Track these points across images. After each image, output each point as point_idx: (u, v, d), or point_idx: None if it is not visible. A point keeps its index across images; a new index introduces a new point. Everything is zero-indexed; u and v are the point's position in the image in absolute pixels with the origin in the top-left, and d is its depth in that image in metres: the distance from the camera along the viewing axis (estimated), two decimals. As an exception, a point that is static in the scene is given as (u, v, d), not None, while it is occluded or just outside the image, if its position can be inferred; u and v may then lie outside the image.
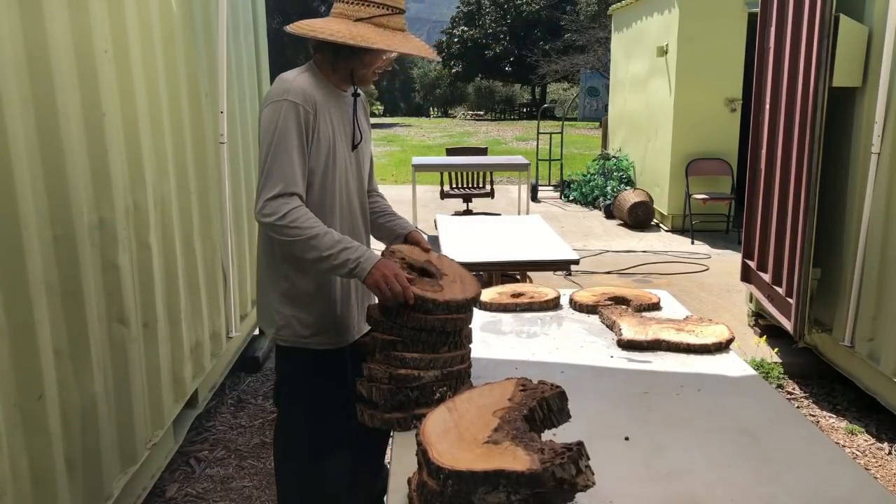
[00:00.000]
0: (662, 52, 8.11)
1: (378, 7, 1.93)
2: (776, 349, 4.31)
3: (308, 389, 2.12)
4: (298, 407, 2.14)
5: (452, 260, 2.16)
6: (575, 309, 2.67)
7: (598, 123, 17.60)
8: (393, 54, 2.01)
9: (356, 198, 2.13)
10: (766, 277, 4.35)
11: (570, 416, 1.51)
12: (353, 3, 1.94)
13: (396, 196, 8.88)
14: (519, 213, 8.43)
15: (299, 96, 1.91)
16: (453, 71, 33.20)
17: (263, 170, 1.90)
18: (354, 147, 2.10)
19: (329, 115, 2.00)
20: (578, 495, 1.27)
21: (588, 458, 1.29)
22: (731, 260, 6.60)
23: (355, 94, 2.11)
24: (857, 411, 3.86)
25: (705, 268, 6.67)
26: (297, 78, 1.97)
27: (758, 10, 4.65)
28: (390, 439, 1.89)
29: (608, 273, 6.47)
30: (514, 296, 2.76)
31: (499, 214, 7.72)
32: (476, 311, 2.67)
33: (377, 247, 2.09)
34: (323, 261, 1.88)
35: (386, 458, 2.44)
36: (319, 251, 1.86)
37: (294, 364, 2.13)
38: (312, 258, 1.89)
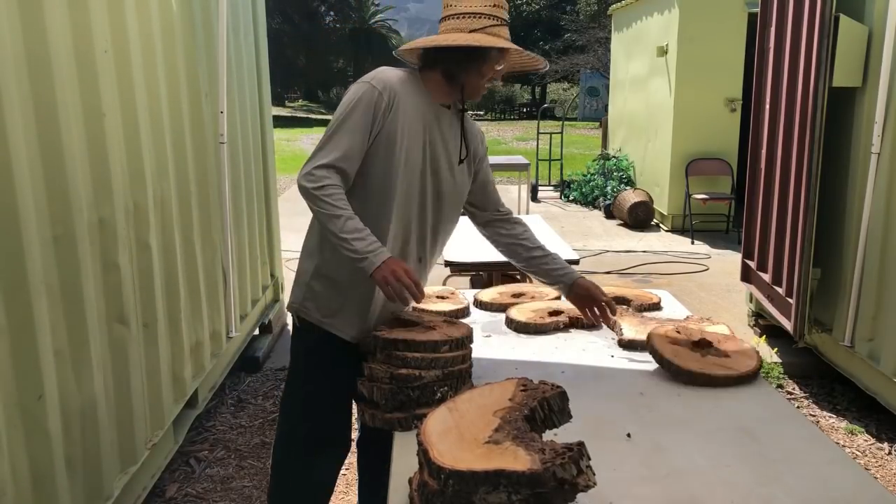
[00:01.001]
0: (662, 52, 8.11)
1: (488, 18, 1.99)
2: (776, 349, 4.31)
3: (316, 373, 2.11)
4: (299, 391, 2.14)
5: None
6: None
7: (598, 123, 17.60)
8: (503, 65, 2.06)
9: (420, 212, 2.08)
10: (766, 277, 4.35)
11: (570, 416, 1.51)
12: (464, 17, 2.00)
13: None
14: (519, 213, 8.42)
15: (381, 83, 1.95)
16: (453, 71, 33.02)
17: (323, 139, 1.95)
18: (461, 161, 2.12)
19: (412, 117, 2.00)
20: (579, 495, 1.27)
21: (589, 459, 1.29)
22: (731, 260, 6.60)
23: (463, 109, 2.14)
24: (857, 411, 3.86)
25: (705, 268, 6.67)
26: (392, 72, 2.01)
27: (758, 10, 4.65)
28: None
29: (608, 273, 6.47)
30: (514, 296, 2.76)
31: (499, 214, 7.70)
32: (476, 311, 2.68)
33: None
34: (338, 240, 1.89)
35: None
36: (336, 229, 1.87)
37: (307, 343, 2.12)
38: (330, 230, 1.90)
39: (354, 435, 2.44)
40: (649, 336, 2.16)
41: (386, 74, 1.99)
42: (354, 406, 2.09)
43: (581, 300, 2.27)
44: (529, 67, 2.19)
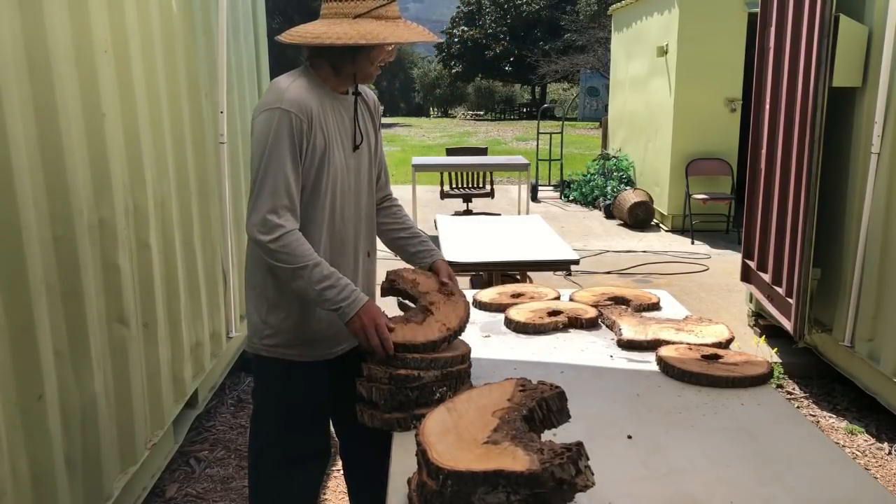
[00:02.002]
0: (662, 52, 8.11)
1: None
2: (776, 349, 4.31)
3: (284, 399, 2.08)
4: (273, 417, 2.10)
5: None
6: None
7: (598, 123, 17.60)
8: (395, 46, 1.95)
9: (352, 204, 2.05)
10: (766, 277, 4.35)
11: (569, 417, 1.51)
12: (347, 0, 1.87)
13: (397, 196, 8.87)
14: (519, 213, 8.43)
15: (294, 105, 1.86)
16: (453, 71, 33.18)
17: (256, 182, 1.85)
18: (356, 147, 2.04)
19: (324, 122, 1.94)
20: (578, 495, 1.27)
21: (587, 459, 1.29)
22: (731, 260, 6.60)
23: (356, 93, 2.05)
24: (857, 411, 3.86)
25: (705, 268, 6.67)
26: (291, 85, 1.90)
27: (758, 10, 4.65)
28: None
29: (608, 273, 6.47)
30: (514, 296, 2.76)
31: (499, 214, 7.72)
32: (476, 311, 2.68)
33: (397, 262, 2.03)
34: (308, 293, 1.85)
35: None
36: (305, 283, 1.83)
37: (270, 373, 2.08)
38: (297, 287, 1.86)
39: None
40: (659, 356, 2.15)
41: (291, 94, 1.87)
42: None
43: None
44: (423, 41, 1.99)
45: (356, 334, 1.84)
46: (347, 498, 2.44)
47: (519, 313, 2.50)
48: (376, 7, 1.85)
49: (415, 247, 2.23)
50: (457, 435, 1.39)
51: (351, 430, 2.18)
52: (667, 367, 2.08)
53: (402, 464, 1.60)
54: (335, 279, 1.85)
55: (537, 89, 34.63)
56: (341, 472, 3.06)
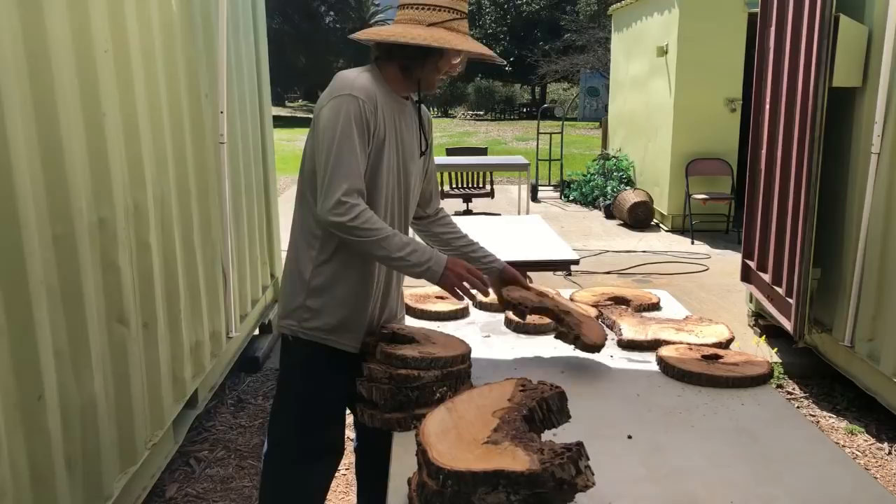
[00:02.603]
0: (662, 52, 8.11)
1: (448, 11, 1.95)
2: (776, 349, 4.31)
3: (308, 386, 2.10)
4: (295, 406, 2.12)
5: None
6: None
7: (598, 123, 17.59)
8: (462, 58, 2.03)
9: (394, 203, 2.08)
10: (766, 277, 4.35)
11: (569, 417, 1.51)
12: (424, 8, 1.95)
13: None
14: (519, 213, 8.43)
15: (362, 92, 1.91)
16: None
17: (328, 165, 1.88)
18: (422, 154, 2.12)
19: (387, 117, 1.98)
20: (578, 495, 1.27)
21: (588, 459, 1.29)
22: (731, 260, 6.60)
23: (419, 102, 2.11)
24: (857, 411, 3.86)
25: (705, 268, 6.67)
26: (359, 76, 1.96)
27: (758, 10, 4.65)
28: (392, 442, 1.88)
29: (608, 273, 6.47)
30: (514, 296, 2.76)
31: (499, 214, 7.72)
32: (476, 311, 2.68)
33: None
34: (392, 261, 1.92)
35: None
36: (389, 252, 1.89)
37: (303, 357, 2.10)
38: (381, 256, 1.92)
39: (351, 436, 2.44)
40: (659, 357, 2.15)
41: (359, 82, 1.94)
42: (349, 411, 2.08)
43: (507, 283, 2.30)
44: (487, 60, 2.10)
45: (450, 286, 1.95)
46: (347, 497, 2.44)
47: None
48: (450, 19, 1.95)
49: (476, 252, 2.30)
50: (457, 435, 1.39)
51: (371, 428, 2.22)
52: (667, 367, 2.08)
53: (402, 464, 1.60)
54: (416, 244, 1.94)
55: (537, 89, 34.61)
56: (342, 472, 3.06)
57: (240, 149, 4.00)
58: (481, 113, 32.94)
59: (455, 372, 1.86)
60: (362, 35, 2.02)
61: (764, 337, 4.38)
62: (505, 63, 2.34)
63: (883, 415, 3.64)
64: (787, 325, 3.94)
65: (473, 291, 2.01)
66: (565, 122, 12.63)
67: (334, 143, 1.88)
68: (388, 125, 1.99)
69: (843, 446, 3.52)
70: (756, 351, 4.34)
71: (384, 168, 2.00)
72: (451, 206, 8.82)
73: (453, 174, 8.41)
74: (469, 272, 1.97)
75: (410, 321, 2.48)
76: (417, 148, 2.11)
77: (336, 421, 2.14)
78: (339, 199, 1.85)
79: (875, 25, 3.61)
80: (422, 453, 1.35)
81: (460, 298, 2.01)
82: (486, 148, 9.61)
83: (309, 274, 2.03)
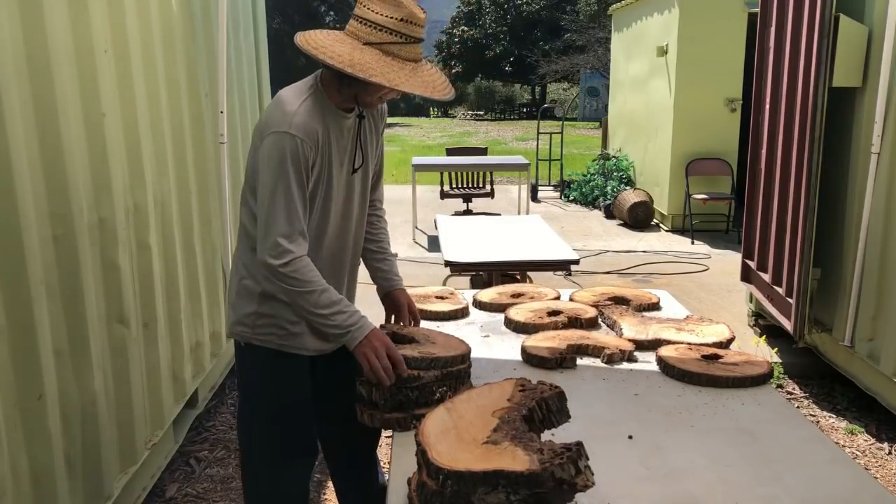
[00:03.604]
0: (662, 52, 8.11)
1: (390, 34, 1.77)
2: (776, 349, 4.31)
3: (268, 391, 2.08)
4: (260, 410, 2.09)
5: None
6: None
7: (598, 123, 17.59)
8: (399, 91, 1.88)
9: (339, 224, 2.04)
10: (766, 277, 4.35)
11: (569, 417, 1.51)
12: (365, 24, 1.79)
13: (397, 196, 8.88)
14: (519, 213, 8.43)
15: (301, 130, 1.83)
16: (453, 71, 33.18)
17: (266, 205, 1.84)
18: (354, 171, 2.03)
19: (329, 145, 1.93)
20: (578, 495, 1.27)
21: (587, 459, 1.29)
22: (731, 260, 6.59)
23: (360, 116, 2.01)
24: (857, 411, 3.86)
25: (705, 268, 6.67)
26: (299, 108, 1.86)
27: (758, 10, 4.65)
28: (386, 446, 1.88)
29: (608, 273, 6.47)
30: (514, 296, 2.76)
31: (499, 214, 7.72)
32: (476, 311, 2.68)
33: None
34: (315, 316, 1.86)
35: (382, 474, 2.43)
36: (312, 307, 1.84)
37: (261, 364, 2.07)
38: (305, 308, 1.86)
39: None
40: (659, 357, 2.15)
41: (298, 116, 1.83)
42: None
43: (390, 309, 2.24)
44: (413, 92, 1.82)
45: (364, 358, 1.82)
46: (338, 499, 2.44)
47: (519, 313, 2.50)
48: (389, 42, 1.78)
49: (378, 262, 2.24)
50: (457, 435, 1.39)
51: (342, 432, 2.22)
52: (667, 367, 2.08)
53: (402, 464, 1.60)
54: (343, 304, 1.87)
55: (537, 89, 34.62)
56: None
57: (240, 149, 4.00)
58: (481, 113, 32.93)
59: (455, 372, 1.86)
60: (300, 38, 1.85)
61: (764, 337, 4.38)
62: (450, 96, 2.08)
63: (883, 415, 3.64)
64: (787, 325, 3.94)
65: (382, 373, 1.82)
66: (565, 122, 12.64)
67: (274, 184, 1.82)
68: (332, 148, 1.93)
69: (843, 446, 3.52)
70: (756, 351, 4.34)
71: (328, 190, 1.95)
72: (451, 206, 8.83)
73: (453, 174, 8.41)
74: (388, 350, 1.82)
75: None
76: (353, 164, 2.02)
77: (304, 422, 2.11)
78: (276, 241, 1.82)
79: (875, 25, 3.61)
80: (421, 453, 1.35)
81: (368, 373, 1.83)
82: (486, 148, 9.61)
83: (259, 279, 1.98)
